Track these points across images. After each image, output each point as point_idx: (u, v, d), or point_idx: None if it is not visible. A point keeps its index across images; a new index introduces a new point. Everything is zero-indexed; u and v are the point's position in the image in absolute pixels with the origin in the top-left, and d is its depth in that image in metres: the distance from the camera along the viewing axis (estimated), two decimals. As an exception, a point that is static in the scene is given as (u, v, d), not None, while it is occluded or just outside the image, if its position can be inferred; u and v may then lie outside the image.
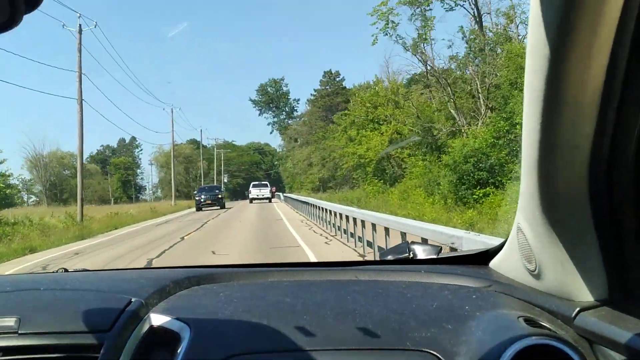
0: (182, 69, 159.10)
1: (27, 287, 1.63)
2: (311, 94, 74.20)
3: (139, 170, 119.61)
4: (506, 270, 1.59)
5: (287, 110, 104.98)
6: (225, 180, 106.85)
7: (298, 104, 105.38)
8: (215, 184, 76.28)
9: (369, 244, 13.10)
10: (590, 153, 1.11)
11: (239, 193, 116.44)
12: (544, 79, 1.02)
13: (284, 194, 57.12)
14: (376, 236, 12.39)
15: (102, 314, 1.37)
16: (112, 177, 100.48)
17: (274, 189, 73.87)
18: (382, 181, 34.17)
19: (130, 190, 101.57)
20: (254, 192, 54.28)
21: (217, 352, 1.24)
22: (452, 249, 5.95)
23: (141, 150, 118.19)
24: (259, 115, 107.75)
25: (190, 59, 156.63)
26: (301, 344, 1.24)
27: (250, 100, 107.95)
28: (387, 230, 11.29)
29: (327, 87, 73.23)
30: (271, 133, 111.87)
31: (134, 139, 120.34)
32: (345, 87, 70.50)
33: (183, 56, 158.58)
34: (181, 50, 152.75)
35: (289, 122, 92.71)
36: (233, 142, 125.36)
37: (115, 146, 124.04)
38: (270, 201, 53.84)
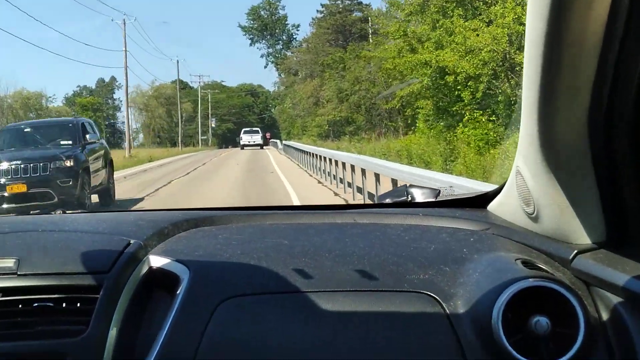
0: (175, 7, 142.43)
1: (25, 229, 1.60)
2: (317, 10, 57.55)
3: (120, 114, 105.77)
4: (504, 213, 1.58)
5: (285, 38, 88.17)
6: (214, 125, 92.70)
7: (298, 30, 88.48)
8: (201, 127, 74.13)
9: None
10: (591, 95, 1.10)
11: (229, 139, 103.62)
12: (545, 20, 1.01)
13: (284, 142, 45.21)
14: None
15: (101, 255, 1.36)
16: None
17: (268, 134, 69.85)
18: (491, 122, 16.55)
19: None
20: (245, 138, 53.51)
21: (216, 293, 1.25)
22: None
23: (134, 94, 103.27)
24: (251, 44, 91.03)
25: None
26: (299, 286, 1.25)
27: (240, 26, 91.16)
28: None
29: (339, 0, 55.09)
30: (265, 67, 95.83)
31: (114, 78, 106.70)
32: (361, 1, 55.10)
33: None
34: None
35: (288, 53, 75.82)
36: (222, 83, 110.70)
37: (94, 87, 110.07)
38: (262, 148, 51.98)
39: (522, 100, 1.22)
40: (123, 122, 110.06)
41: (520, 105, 1.24)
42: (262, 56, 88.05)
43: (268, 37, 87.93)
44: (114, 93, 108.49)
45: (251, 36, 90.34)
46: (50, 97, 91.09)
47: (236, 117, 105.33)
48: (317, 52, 49.76)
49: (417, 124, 24.58)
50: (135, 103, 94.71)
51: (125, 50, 39.58)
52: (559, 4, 0.98)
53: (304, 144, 30.12)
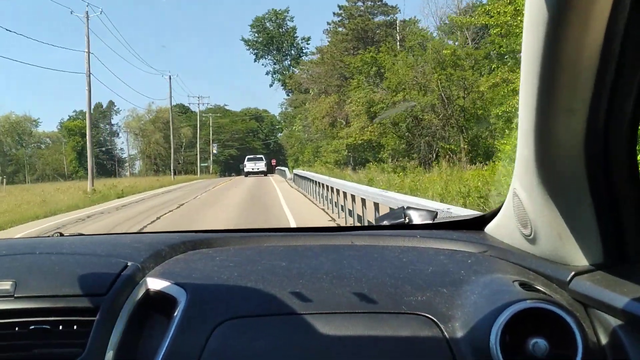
0: (174, 31, 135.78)
1: (22, 251, 1.58)
2: (334, 13, 46.98)
3: (119, 140, 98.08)
4: (502, 235, 1.57)
5: (293, 53, 76.28)
6: (215, 151, 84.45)
7: (308, 44, 77.52)
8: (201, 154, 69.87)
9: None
10: (587, 117, 1.09)
11: (232, 166, 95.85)
12: (541, 42, 1.01)
13: (295, 171, 35.82)
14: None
15: (99, 277, 1.35)
16: (66, 145, 77.15)
17: (273, 161, 69.11)
18: None
19: (86, 161, 78.54)
20: (248, 165, 52.80)
21: (213, 315, 1.24)
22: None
23: (123, 117, 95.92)
24: (255, 60, 79.35)
25: (182, 20, 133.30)
26: (297, 308, 1.24)
27: (243, 39, 79.66)
28: None
29: (360, 2, 44.73)
30: (271, 85, 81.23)
31: (112, 103, 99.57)
32: (386, 2, 45.54)
33: (175, 17, 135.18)
34: (174, 11, 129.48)
35: (296, 71, 62.95)
36: (225, 107, 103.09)
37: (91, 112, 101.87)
38: (266, 175, 51.01)
39: (519, 122, 1.19)
40: (122, 149, 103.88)
41: (517, 127, 1.22)
42: (267, 73, 76.94)
43: (274, 51, 76.96)
44: (112, 118, 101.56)
45: (255, 51, 78.67)
46: (34, 120, 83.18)
47: (240, 142, 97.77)
48: (334, 64, 40.64)
49: (497, 146, 15.97)
50: (130, 128, 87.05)
51: (89, 53, 31.16)
52: (555, 27, 0.98)
53: (334, 178, 20.95)
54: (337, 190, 15.85)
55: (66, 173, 73.78)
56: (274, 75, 76.59)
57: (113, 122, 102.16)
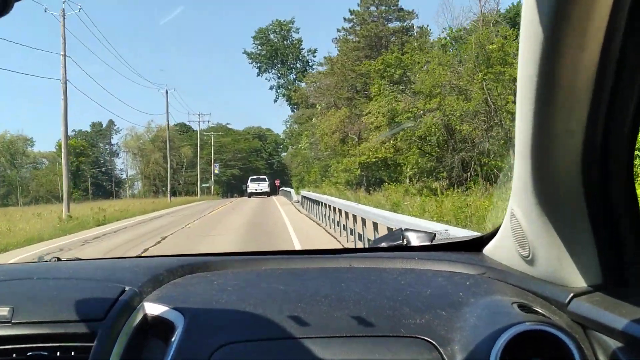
0: (174, 48, 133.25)
1: (20, 277, 1.58)
2: (345, 19, 42.49)
3: (119, 160, 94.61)
4: (500, 257, 1.56)
5: (299, 66, 69.37)
6: (217, 172, 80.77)
7: (314, 57, 70.64)
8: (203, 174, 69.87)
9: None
10: (584, 138, 1.09)
11: (235, 187, 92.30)
12: (537, 64, 1.01)
13: (303, 193, 31.31)
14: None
15: (96, 303, 1.35)
16: (59, 165, 73.54)
17: (277, 182, 66.25)
18: None
19: (81, 182, 74.29)
20: (252, 186, 52.54)
21: (211, 340, 1.23)
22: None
23: (122, 136, 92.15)
24: (258, 74, 72.22)
25: (182, 37, 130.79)
26: (295, 332, 1.23)
27: (245, 52, 73.76)
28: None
29: (373, 6, 40.10)
30: (275, 101, 70.85)
31: (112, 122, 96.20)
32: (402, 7, 41.05)
33: (174, 34, 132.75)
34: (174, 28, 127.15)
35: (302, 85, 57.34)
36: (227, 125, 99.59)
37: (90, 131, 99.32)
38: (268, 196, 50.59)
39: (515, 143, 1.19)
40: (121, 169, 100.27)
41: (514, 148, 1.22)
42: (271, 88, 70.66)
43: (279, 65, 70.36)
44: (112, 138, 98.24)
45: (259, 64, 71.71)
46: (29, 139, 79.62)
47: (242, 162, 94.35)
48: (345, 74, 36.14)
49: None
50: (129, 147, 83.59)
51: (65, 56, 27.56)
52: (551, 48, 0.97)
53: (354, 203, 17.04)
54: (362, 220, 12.11)
55: (60, 195, 70.09)
56: (278, 90, 70.51)
57: (113, 141, 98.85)
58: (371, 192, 30.77)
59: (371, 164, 33.07)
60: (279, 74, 70.28)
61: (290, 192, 39.95)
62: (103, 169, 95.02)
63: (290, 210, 27.37)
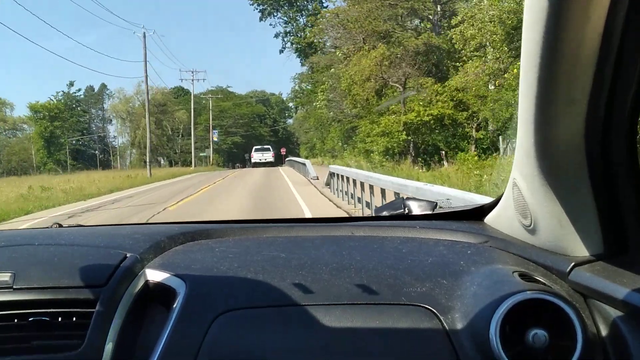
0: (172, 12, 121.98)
1: (21, 242, 1.57)
2: None
3: (112, 127, 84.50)
4: (501, 226, 1.56)
5: (310, 8, 51.96)
6: (216, 139, 71.02)
7: None
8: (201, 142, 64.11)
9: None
10: (587, 107, 1.09)
11: (236, 156, 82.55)
12: (542, 32, 1.00)
13: (332, 168, 19.25)
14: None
15: (97, 269, 1.34)
16: (32, 131, 63.14)
17: (283, 150, 63.77)
18: None
19: (57, 153, 64.01)
20: (256, 156, 51.61)
21: (212, 307, 1.24)
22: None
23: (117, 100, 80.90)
24: (261, 19, 55.42)
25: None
26: (296, 299, 1.24)
27: None
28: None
29: None
30: (282, 51, 54.98)
31: (104, 86, 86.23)
32: None
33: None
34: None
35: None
36: (228, 88, 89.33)
37: (82, 96, 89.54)
38: (273, 166, 47.58)
39: (518, 112, 1.18)
40: (115, 137, 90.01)
41: (517, 117, 1.22)
42: (276, 36, 55.57)
43: (286, 6, 54.00)
44: (105, 103, 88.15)
45: (261, 5, 54.58)
46: (8, 103, 69.38)
47: (244, 129, 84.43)
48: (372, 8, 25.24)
49: None
50: (117, 111, 73.44)
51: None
52: (555, 16, 0.96)
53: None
54: None
55: (35, 165, 60.25)
56: (285, 38, 54.02)
57: (106, 106, 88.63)
58: (424, 166, 20.81)
59: (421, 125, 23.08)
60: (286, 18, 54.11)
61: (304, 164, 29.91)
62: (95, 137, 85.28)
63: (317, 201, 17.07)
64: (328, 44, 35.15)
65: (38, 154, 59.77)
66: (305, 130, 59.11)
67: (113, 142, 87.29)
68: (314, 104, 38.54)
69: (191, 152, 77.27)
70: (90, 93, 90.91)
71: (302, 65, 48.13)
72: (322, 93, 35.16)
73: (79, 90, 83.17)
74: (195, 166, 68.35)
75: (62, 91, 76.30)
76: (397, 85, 24.40)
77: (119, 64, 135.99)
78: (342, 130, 34.80)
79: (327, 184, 19.42)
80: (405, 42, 23.88)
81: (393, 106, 24.39)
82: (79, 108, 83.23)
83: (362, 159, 28.12)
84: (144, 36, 37.08)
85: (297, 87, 55.43)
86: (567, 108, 1.09)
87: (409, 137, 23.57)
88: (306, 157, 52.08)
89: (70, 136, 77.12)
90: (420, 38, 23.57)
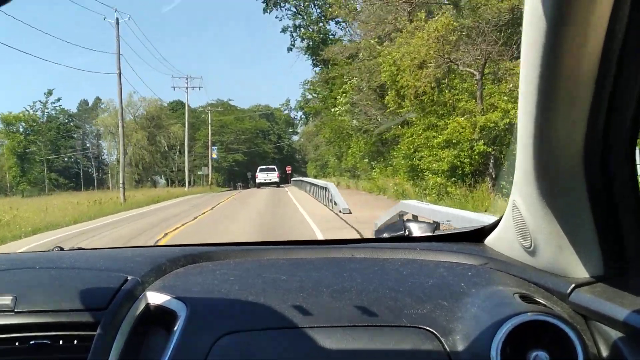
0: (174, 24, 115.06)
1: (22, 266, 1.58)
2: None
3: (105, 144, 76.45)
4: (501, 248, 1.55)
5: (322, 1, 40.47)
6: (215, 156, 63.21)
7: None
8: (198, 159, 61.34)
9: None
10: (586, 130, 1.09)
11: (237, 175, 74.36)
12: (540, 53, 1.00)
13: (408, 206, 7.88)
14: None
15: (99, 292, 1.34)
16: (2, 146, 54.52)
17: (288, 168, 63.27)
18: None
19: (31, 171, 55.62)
20: (261, 176, 49.45)
21: (213, 329, 1.22)
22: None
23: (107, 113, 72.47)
24: (265, 10, 43.98)
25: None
26: (298, 322, 1.22)
27: None
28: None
29: None
30: (290, 49, 42.99)
31: (99, 100, 78.61)
32: None
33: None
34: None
35: (331, 28, 37.17)
36: (229, 102, 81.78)
37: (75, 110, 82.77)
38: (278, 186, 46.73)
39: (518, 134, 1.18)
40: (97, 156, 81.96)
41: (516, 139, 1.21)
42: (284, 30, 43.96)
43: None
44: (97, 117, 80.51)
45: None
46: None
47: (247, 145, 76.66)
48: None
49: None
50: (106, 125, 65.31)
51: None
52: (554, 38, 0.97)
53: None
54: None
55: (8, 185, 52.14)
56: (293, 33, 42.89)
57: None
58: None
59: (507, 131, 15.02)
60: (295, 9, 42.27)
61: (324, 187, 20.79)
62: (89, 154, 77.61)
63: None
64: (349, 33, 26.62)
65: (10, 172, 51.54)
66: (316, 145, 51.20)
67: (109, 160, 79.60)
68: (333, 110, 30.14)
69: (190, 170, 70.14)
70: (84, 107, 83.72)
71: (315, 65, 39.62)
72: (343, 96, 26.93)
73: (59, 100, 75.33)
74: (192, 186, 60.83)
75: (40, 101, 68.21)
76: (470, 70, 16.16)
77: (104, 75, 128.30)
78: (368, 143, 26.58)
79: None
80: (482, 7, 15.67)
81: (464, 102, 16.16)
82: (67, 121, 75.68)
83: (405, 180, 19.77)
84: (117, 22, 28.94)
85: (307, 94, 46.81)
86: (565, 130, 1.07)
87: (489, 149, 15.34)
88: (315, 177, 44.43)
89: (51, 152, 69.44)
90: (504, 1, 15.32)
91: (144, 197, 32.24)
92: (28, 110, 59.21)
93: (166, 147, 69.49)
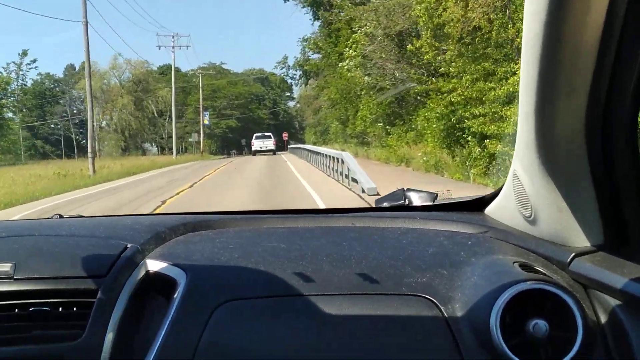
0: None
1: (22, 233, 1.55)
2: None
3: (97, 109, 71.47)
4: (502, 217, 1.54)
5: None
6: (207, 122, 58.83)
7: None
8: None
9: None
10: (588, 99, 1.08)
11: (230, 141, 70.00)
12: (542, 22, 0.99)
13: None
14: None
15: (98, 259, 1.33)
16: None
17: (285, 135, 60.17)
18: None
19: (5, 138, 50.93)
20: (256, 144, 48.11)
21: (213, 297, 1.22)
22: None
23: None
24: None
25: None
26: (297, 289, 1.23)
27: None
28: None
29: None
30: (286, 1, 50.38)
31: (85, 64, 72.27)
32: None
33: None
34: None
35: None
36: (222, 65, 76.71)
37: (61, 75, 78.00)
38: (274, 154, 45.12)
39: (519, 103, 1.17)
40: (99, 120, 76.42)
41: (517, 109, 1.20)
42: None
43: None
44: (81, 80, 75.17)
45: None
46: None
47: (241, 111, 72.07)
48: None
49: None
50: (85, 89, 60.40)
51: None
52: (556, 7, 0.96)
53: None
54: None
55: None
56: None
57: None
58: None
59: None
60: None
61: (337, 158, 15.68)
62: (77, 121, 72.63)
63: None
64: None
65: (-18, 138, 46.89)
66: (315, 109, 46.62)
67: (98, 126, 74.51)
68: (339, 65, 25.26)
69: (181, 137, 65.25)
70: (71, 72, 78.39)
71: (316, 17, 34.19)
72: (353, 47, 22.15)
73: (34, 61, 69.78)
74: (183, 153, 56.43)
75: (14, 62, 62.85)
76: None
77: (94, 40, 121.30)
78: (385, 104, 22.04)
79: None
80: None
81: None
82: (52, 86, 70.71)
83: (438, 148, 15.44)
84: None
85: (307, 50, 41.50)
86: (567, 99, 1.07)
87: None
88: (314, 143, 40.26)
89: (36, 119, 64.67)
90: None
91: (121, 168, 27.80)
92: (0, 72, 54.19)
93: (155, 113, 64.79)
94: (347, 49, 23.17)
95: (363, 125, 25.46)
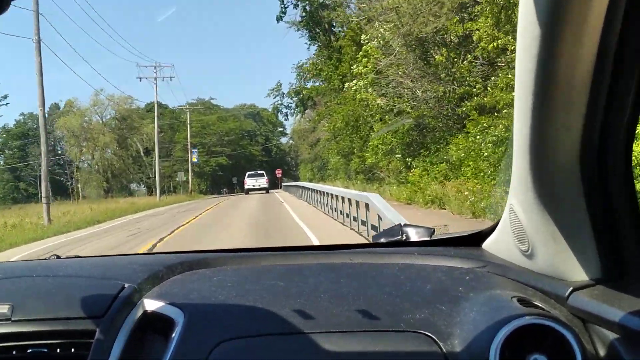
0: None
1: (19, 274, 1.56)
2: None
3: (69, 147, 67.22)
4: (499, 251, 1.54)
5: None
6: (195, 160, 55.04)
7: None
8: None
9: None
10: (582, 134, 1.09)
11: (221, 180, 66.03)
12: (535, 59, 1.01)
13: None
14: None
15: (96, 300, 1.33)
16: None
17: (278, 172, 59.18)
18: None
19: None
20: (249, 182, 47.43)
21: (211, 336, 1.21)
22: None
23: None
24: None
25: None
26: (295, 327, 1.22)
27: None
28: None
29: None
30: (280, 19, 35.34)
31: (71, 103, 68.69)
32: None
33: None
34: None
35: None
36: (212, 101, 73.26)
37: (46, 115, 71.79)
38: (267, 192, 44.80)
39: (514, 138, 1.18)
40: (71, 161, 71.47)
41: (512, 143, 1.21)
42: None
43: None
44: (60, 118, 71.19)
45: None
46: None
47: (231, 148, 68.26)
48: None
49: None
50: (68, 128, 55.85)
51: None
52: (548, 43, 0.97)
53: None
54: None
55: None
56: None
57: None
58: None
59: None
60: None
61: (365, 201, 10.62)
62: (61, 161, 68.28)
63: None
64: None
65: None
66: (312, 143, 42.74)
67: (82, 167, 70.17)
68: (347, 85, 21.10)
69: (169, 176, 61.18)
70: (55, 111, 74.43)
71: (312, 38, 30.48)
72: (364, 62, 18.18)
73: (5, 97, 65.56)
74: (171, 194, 52.12)
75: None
76: None
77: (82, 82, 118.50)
78: (403, 131, 18.01)
79: None
80: None
81: None
82: (35, 127, 66.69)
83: (489, 184, 11.43)
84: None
85: (305, 74, 37.63)
86: (562, 134, 1.07)
87: None
88: (310, 180, 36.32)
89: (19, 160, 60.62)
90: None
91: (90, 213, 23.45)
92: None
93: (141, 152, 60.78)
94: (355, 66, 19.19)
95: (375, 158, 21.38)
